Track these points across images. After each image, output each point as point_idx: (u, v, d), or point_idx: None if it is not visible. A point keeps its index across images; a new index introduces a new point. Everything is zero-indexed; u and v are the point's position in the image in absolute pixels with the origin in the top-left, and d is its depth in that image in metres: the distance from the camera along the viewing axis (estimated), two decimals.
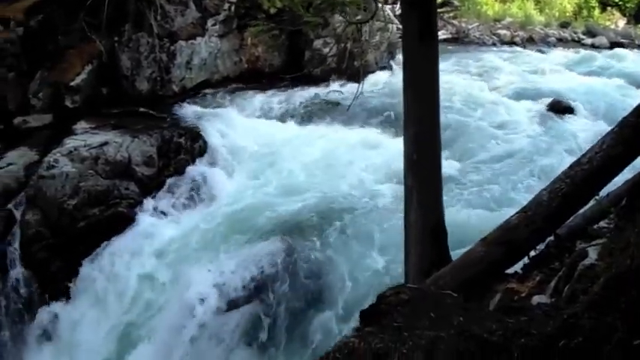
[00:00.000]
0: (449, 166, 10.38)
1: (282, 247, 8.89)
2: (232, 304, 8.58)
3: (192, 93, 13.57)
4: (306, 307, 8.40)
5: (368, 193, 10.29)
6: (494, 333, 3.02)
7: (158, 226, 10.19)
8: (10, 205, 10.10)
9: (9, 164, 10.56)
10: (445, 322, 3.24)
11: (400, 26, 19.09)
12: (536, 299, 3.93)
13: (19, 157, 10.74)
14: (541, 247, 4.87)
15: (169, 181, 10.78)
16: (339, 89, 14.16)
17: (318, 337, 7.90)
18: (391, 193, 9.97)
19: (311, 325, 8.12)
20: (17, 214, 10.00)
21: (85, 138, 10.86)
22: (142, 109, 12.03)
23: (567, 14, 26.66)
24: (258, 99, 13.43)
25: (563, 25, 28.23)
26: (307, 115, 13.25)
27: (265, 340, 8.20)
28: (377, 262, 8.58)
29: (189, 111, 12.44)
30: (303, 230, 9.27)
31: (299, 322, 8.23)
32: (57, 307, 9.61)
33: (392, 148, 10.69)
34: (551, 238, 4.85)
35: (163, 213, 10.40)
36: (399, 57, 15.78)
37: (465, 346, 2.93)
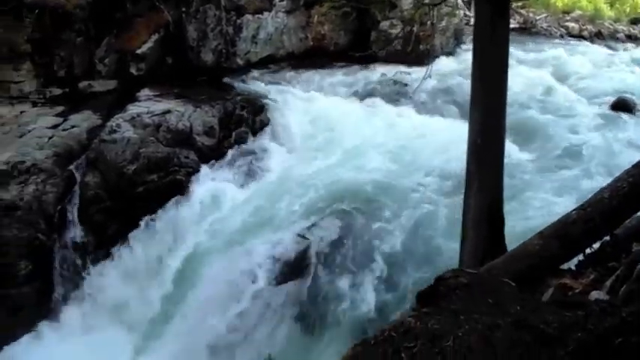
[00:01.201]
0: (511, 154, 10.01)
1: (338, 224, 8.74)
2: (284, 277, 8.46)
3: (257, 67, 13.41)
4: (359, 285, 8.19)
5: (427, 176, 10.02)
6: (550, 325, 2.99)
7: (215, 196, 10.12)
8: (71, 167, 10.18)
9: (72, 127, 10.64)
10: (502, 309, 3.23)
11: (467, 13, 18.75)
12: (594, 295, 3.81)
13: (82, 120, 10.81)
14: (596, 245, 4.70)
15: (229, 152, 10.72)
16: (403, 72, 13.84)
17: (369, 315, 7.78)
18: (450, 178, 9.68)
19: (362, 303, 7.96)
20: (77, 175, 10.07)
21: (148, 105, 10.86)
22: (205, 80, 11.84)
23: (639, 10, 25.48)
24: (321, 76, 13.25)
25: (634, 22, 27.19)
26: (370, 95, 13.02)
27: (314, 315, 8.09)
28: (430, 244, 8.40)
29: (252, 85, 12.35)
30: (359, 208, 9.08)
31: (350, 298, 8.06)
32: (109, 268, 9.64)
33: (453, 133, 10.39)
34: (608, 237, 4.66)
35: (221, 183, 10.26)
36: (464, 44, 15.54)
37: (521, 335, 2.92)
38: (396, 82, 12.99)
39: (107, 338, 9.28)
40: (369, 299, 7.95)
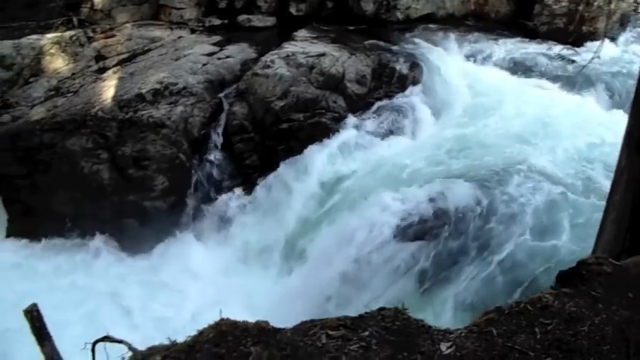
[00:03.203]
0: None
1: (470, 194, 8.30)
2: (411, 236, 8.16)
3: (415, 24, 13.00)
4: (483, 257, 7.75)
5: (571, 162, 9.31)
6: None
7: (356, 145, 9.92)
8: (220, 95, 10.34)
9: (227, 57, 10.75)
10: None
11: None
12: None
13: (237, 51, 10.89)
14: None
15: (377, 104, 10.46)
16: (564, 51, 12.99)
17: (488, 289, 7.38)
18: (595, 170, 8.95)
19: (483, 275, 7.56)
20: (226, 104, 10.22)
21: (303, 46, 10.77)
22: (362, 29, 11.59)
23: None
24: (479, 42, 12.65)
25: None
26: (526, 70, 12.29)
27: (434, 277, 7.77)
28: (559, 232, 7.72)
29: (409, 41, 11.98)
30: (499, 181, 8.57)
31: (472, 268, 7.69)
32: (242, 198, 9.73)
33: (605, 122, 9.68)
34: None
35: (364, 134, 10.03)
36: (630, 30, 14.36)
37: None
38: (551, 61, 12.16)
39: (228, 262, 9.39)
40: (491, 273, 7.51)
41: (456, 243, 7.88)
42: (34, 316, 3.66)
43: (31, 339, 3.84)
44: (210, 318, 3.65)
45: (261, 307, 8.00)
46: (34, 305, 3.69)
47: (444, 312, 7.51)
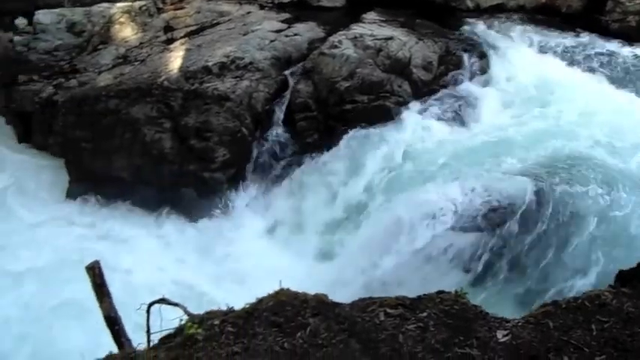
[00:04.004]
0: None
1: (531, 189, 8.11)
2: (468, 226, 8.02)
3: (485, 13, 12.79)
4: (543, 254, 7.61)
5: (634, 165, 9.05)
6: None
7: (418, 131, 9.82)
8: (286, 72, 10.37)
9: (295, 34, 10.77)
10: None
11: None
12: None
13: (305, 30, 10.90)
14: None
15: (442, 91, 10.34)
16: (637, 50, 12.60)
17: (544, 286, 7.29)
18: None
19: (539, 273, 7.48)
20: (291, 81, 10.25)
21: (372, 28, 10.72)
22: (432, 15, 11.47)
23: None
24: (548, 36, 12.36)
25: None
26: (594, 67, 11.96)
27: (488, 270, 7.67)
28: (621, 236, 7.53)
29: (478, 30, 11.79)
30: (557, 179, 8.37)
31: (528, 264, 7.58)
32: (301, 175, 9.80)
33: None
34: None
35: (427, 120, 9.95)
36: None
37: None
38: (621, 60, 11.83)
39: (278, 238, 9.51)
40: (545, 269, 7.43)
41: (513, 237, 7.73)
42: (95, 272, 3.80)
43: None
44: (256, 292, 3.66)
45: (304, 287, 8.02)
46: (96, 262, 3.83)
47: (495, 305, 7.36)
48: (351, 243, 8.81)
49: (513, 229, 7.81)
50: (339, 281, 7.80)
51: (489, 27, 12.03)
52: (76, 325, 7.99)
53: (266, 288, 3.69)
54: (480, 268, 7.73)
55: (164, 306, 3.86)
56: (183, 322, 3.51)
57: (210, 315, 3.59)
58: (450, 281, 7.65)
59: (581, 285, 6.88)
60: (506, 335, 3.01)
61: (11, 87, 12.01)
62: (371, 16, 11.03)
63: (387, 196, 8.96)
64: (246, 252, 9.44)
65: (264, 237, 9.43)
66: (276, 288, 3.69)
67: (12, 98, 12.00)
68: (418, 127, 9.79)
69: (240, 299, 3.67)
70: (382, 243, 8.32)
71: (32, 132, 11.89)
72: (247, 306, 3.54)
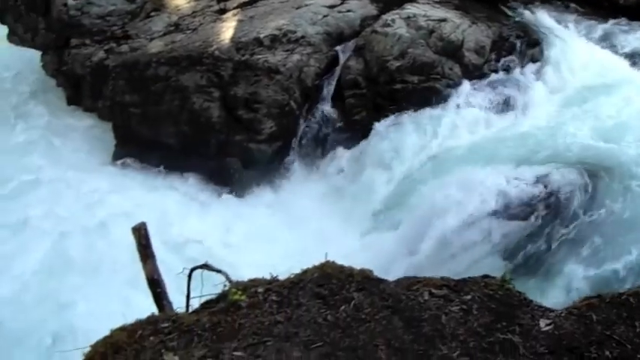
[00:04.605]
0: None
1: (578, 182, 7.98)
2: (510, 215, 7.96)
3: (541, 1, 12.58)
4: (580, 249, 7.42)
5: None
6: None
7: (467, 116, 9.74)
8: (337, 48, 10.33)
9: (348, 10, 10.75)
10: None
11: None
12: None
13: (359, 7, 10.87)
14: None
15: (493, 76, 10.19)
16: None
17: (579, 281, 7.09)
18: None
19: (575, 266, 7.26)
20: (342, 57, 10.23)
21: (425, 9, 10.63)
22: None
23: None
24: (606, 27, 12.10)
25: None
26: None
27: (521, 262, 7.56)
28: None
29: (533, 17, 11.59)
30: (603, 172, 8.24)
31: (567, 258, 7.39)
32: (348, 152, 9.78)
33: None
34: None
35: (476, 106, 9.85)
36: None
37: None
38: None
39: (321, 212, 9.49)
40: (587, 264, 7.20)
41: (555, 229, 7.63)
42: (141, 234, 3.79)
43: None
44: (297, 264, 3.67)
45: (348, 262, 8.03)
46: (143, 224, 3.82)
47: (532, 296, 7.27)
48: (395, 222, 8.76)
49: (557, 221, 7.69)
50: (383, 258, 7.78)
51: (544, 15, 11.82)
52: (118, 285, 8.11)
53: (308, 260, 3.68)
54: (520, 257, 7.63)
55: (205, 272, 3.90)
56: (226, 289, 3.52)
57: (254, 283, 3.60)
58: (489, 267, 7.58)
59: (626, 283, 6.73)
60: (549, 325, 3.00)
61: (63, 50, 12.22)
62: None
63: (432, 179, 8.91)
64: (287, 224, 9.45)
65: (306, 210, 9.41)
66: (322, 260, 3.70)
67: (63, 61, 12.20)
68: (467, 111, 9.66)
69: (279, 270, 3.69)
70: (425, 223, 8.29)
71: (82, 95, 12.09)
72: (292, 276, 3.55)
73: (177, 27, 11.29)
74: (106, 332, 3.22)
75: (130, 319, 3.31)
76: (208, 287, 3.72)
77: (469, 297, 3.25)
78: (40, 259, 8.66)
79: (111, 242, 8.68)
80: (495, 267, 7.38)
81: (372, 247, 8.48)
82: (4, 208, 9.76)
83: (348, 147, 9.71)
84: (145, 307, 3.68)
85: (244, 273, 3.82)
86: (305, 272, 3.63)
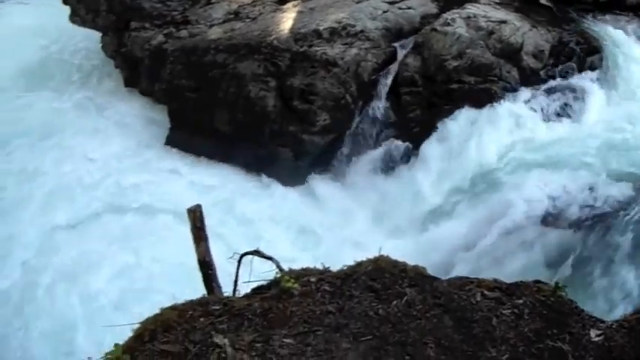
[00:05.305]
0: None
1: (632, 194, 7.88)
2: (557, 223, 7.95)
3: (603, 8, 12.38)
4: (629, 262, 7.27)
5: None
6: None
7: (521, 121, 9.66)
8: (396, 44, 10.34)
9: (408, 7, 10.78)
10: None
11: None
12: None
13: (419, 4, 10.90)
14: None
15: (550, 82, 10.08)
16: None
17: (630, 296, 6.93)
18: None
19: (624, 280, 7.09)
20: (400, 54, 10.20)
21: (486, 10, 10.56)
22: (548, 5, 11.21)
23: None
24: None
25: None
26: None
27: (568, 271, 7.44)
28: None
29: (595, 24, 11.42)
30: None
31: (609, 272, 7.26)
32: (401, 149, 9.82)
33: None
34: None
35: (531, 110, 9.75)
36: None
37: None
38: None
39: (371, 209, 9.54)
40: (636, 278, 7.02)
41: (606, 240, 7.50)
42: (196, 215, 3.83)
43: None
44: (342, 259, 3.68)
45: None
46: (198, 206, 3.86)
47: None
48: (447, 223, 8.77)
49: (608, 232, 7.58)
50: (435, 256, 7.80)
51: (605, 22, 11.65)
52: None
53: (351, 256, 3.67)
54: (567, 265, 7.55)
55: (255, 259, 3.90)
56: (278, 276, 3.54)
57: (307, 272, 3.62)
58: (534, 274, 7.54)
59: None
60: (600, 335, 2.97)
61: (123, 32, 12.44)
62: None
63: (485, 182, 8.89)
64: (336, 217, 9.51)
65: (355, 204, 9.46)
66: (370, 255, 3.71)
67: (123, 43, 12.43)
68: (523, 115, 9.61)
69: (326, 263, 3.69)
70: (475, 227, 8.27)
71: (139, 77, 12.24)
72: (345, 268, 3.57)
73: (236, 15, 11.41)
74: (156, 310, 3.25)
75: (180, 299, 3.35)
76: (256, 274, 3.73)
77: (521, 301, 3.25)
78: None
79: (155, 223, 8.85)
80: (540, 274, 7.33)
81: (425, 245, 8.47)
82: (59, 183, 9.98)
83: (401, 144, 9.71)
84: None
85: (292, 264, 3.85)
86: (359, 265, 3.65)
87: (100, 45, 13.09)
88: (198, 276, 3.90)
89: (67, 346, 7.63)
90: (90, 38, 13.42)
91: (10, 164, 10.75)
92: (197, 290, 3.72)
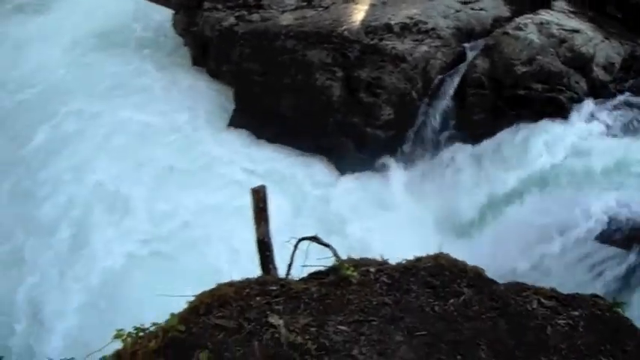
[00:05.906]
0: None
1: None
2: (611, 240, 7.96)
3: None
4: None
5: None
6: None
7: (586, 132, 9.54)
8: (466, 45, 10.34)
9: (481, 9, 10.75)
10: None
11: None
12: None
13: (492, 6, 10.88)
14: None
15: (619, 97, 9.92)
16: None
17: None
18: None
19: None
20: (469, 55, 10.21)
21: (559, 17, 10.49)
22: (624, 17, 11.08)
23: None
24: None
25: None
26: None
27: (622, 287, 7.59)
28: None
29: None
30: None
31: None
32: (462, 151, 9.77)
33: None
34: None
35: (597, 124, 9.60)
36: None
37: None
38: None
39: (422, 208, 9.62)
40: None
41: None
42: (259, 196, 3.89)
43: None
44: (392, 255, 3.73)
45: None
46: (262, 187, 3.92)
47: None
48: (496, 229, 8.81)
49: None
50: (491, 259, 7.82)
51: None
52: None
53: (396, 254, 3.73)
54: (616, 285, 7.53)
55: (311, 245, 3.94)
56: (336, 263, 3.61)
57: (366, 262, 3.71)
58: (592, 289, 7.55)
59: None
60: None
61: (195, 11, 12.62)
62: (560, 4, 10.77)
63: (541, 192, 8.82)
64: (390, 215, 9.59)
65: (411, 203, 9.51)
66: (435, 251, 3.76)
67: (194, 22, 12.63)
68: (588, 128, 9.46)
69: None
70: (527, 236, 8.26)
71: (207, 57, 12.45)
72: (404, 262, 3.64)
73: (309, 3, 11.54)
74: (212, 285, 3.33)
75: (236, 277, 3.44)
76: (311, 261, 3.80)
77: (577, 313, 3.28)
78: None
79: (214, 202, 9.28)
80: (596, 289, 7.34)
81: (469, 249, 8.48)
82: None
83: (463, 146, 9.73)
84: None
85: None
86: (419, 260, 3.74)
87: (171, 22, 13.27)
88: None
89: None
90: (164, 15, 13.58)
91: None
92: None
